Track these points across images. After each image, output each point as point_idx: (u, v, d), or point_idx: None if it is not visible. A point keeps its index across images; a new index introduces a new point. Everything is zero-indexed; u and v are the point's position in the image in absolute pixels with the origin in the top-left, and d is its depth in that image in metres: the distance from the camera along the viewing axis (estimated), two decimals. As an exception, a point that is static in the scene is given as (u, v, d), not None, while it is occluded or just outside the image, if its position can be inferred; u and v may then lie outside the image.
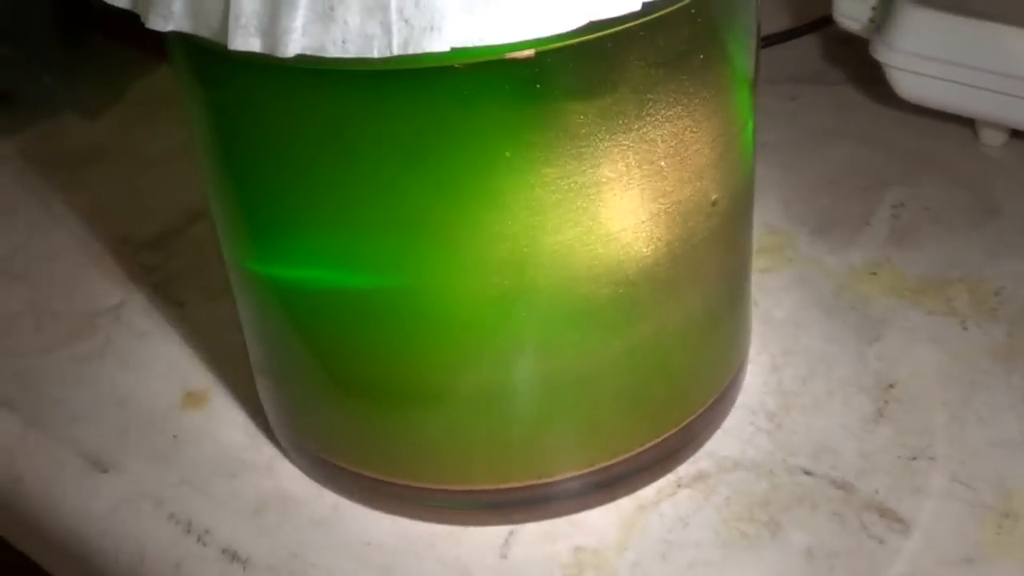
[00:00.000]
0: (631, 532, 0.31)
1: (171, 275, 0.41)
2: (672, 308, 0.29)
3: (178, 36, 0.24)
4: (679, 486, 0.32)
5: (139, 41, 0.50)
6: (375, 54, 0.23)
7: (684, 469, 0.32)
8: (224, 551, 0.31)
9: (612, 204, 0.26)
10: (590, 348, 0.29)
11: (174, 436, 0.35)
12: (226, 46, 0.23)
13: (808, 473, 0.32)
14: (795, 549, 0.30)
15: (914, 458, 0.32)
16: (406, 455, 0.31)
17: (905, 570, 0.29)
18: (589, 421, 0.30)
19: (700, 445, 0.33)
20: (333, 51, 0.23)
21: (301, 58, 0.23)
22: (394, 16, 0.22)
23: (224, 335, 0.37)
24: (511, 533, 0.31)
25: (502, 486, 0.31)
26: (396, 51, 0.23)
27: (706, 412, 0.32)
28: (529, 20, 0.22)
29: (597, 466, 0.31)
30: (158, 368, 0.37)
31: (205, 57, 0.26)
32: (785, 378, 0.35)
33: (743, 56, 0.28)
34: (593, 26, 0.23)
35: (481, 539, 0.31)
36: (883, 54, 0.41)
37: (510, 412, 0.29)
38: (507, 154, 0.25)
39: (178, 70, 0.28)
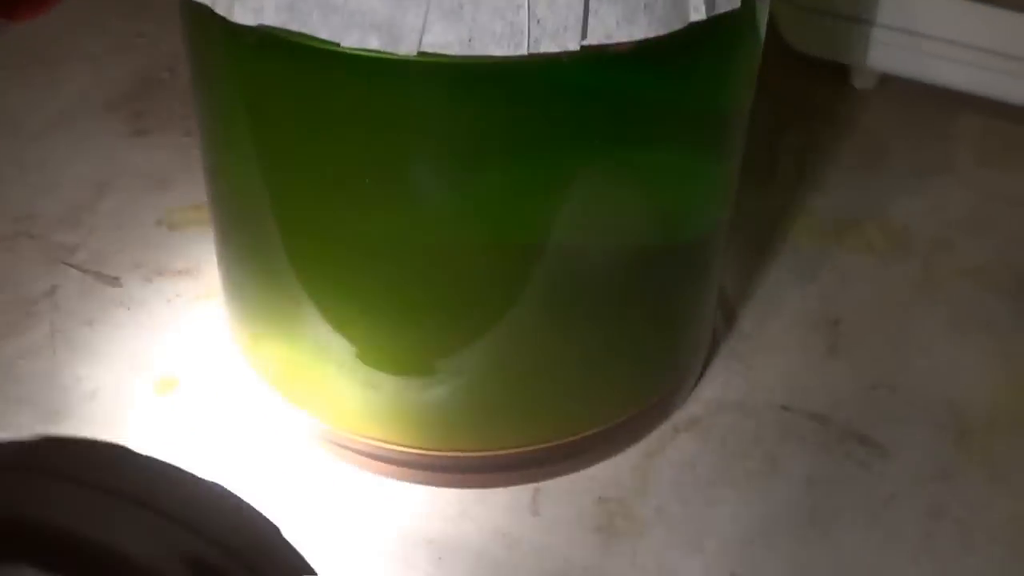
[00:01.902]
0: (647, 479, 0.33)
1: (96, 253, 0.39)
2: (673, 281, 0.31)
3: (252, 29, 0.24)
4: (676, 431, 0.34)
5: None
6: (507, 52, 0.23)
7: (678, 415, 0.35)
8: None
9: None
10: (600, 320, 0.30)
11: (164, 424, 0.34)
12: (329, 42, 0.23)
13: (787, 408, 0.35)
14: (797, 480, 0.33)
15: (874, 387, 0.36)
16: (424, 421, 0.31)
17: (893, 490, 0.33)
18: (608, 383, 0.32)
19: (689, 392, 0.35)
20: (459, 49, 0.23)
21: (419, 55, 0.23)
22: (526, 16, 0.23)
23: (168, 311, 0.36)
24: (537, 491, 0.32)
25: (527, 448, 0.32)
26: (527, 50, 0.23)
27: (695, 364, 0.34)
28: (645, 19, 0.24)
29: (613, 422, 0.33)
30: (117, 354, 0.36)
31: (275, 51, 0.25)
32: (744, 322, 0.37)
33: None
34: (692, 28, 0.24)
35: (509, 500, 0.32)
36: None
37: (533, 381, 0.31)
38: (590, 142, 0.26)
39: (216, 59, 0.27)
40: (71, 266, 0.38)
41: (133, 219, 0.40)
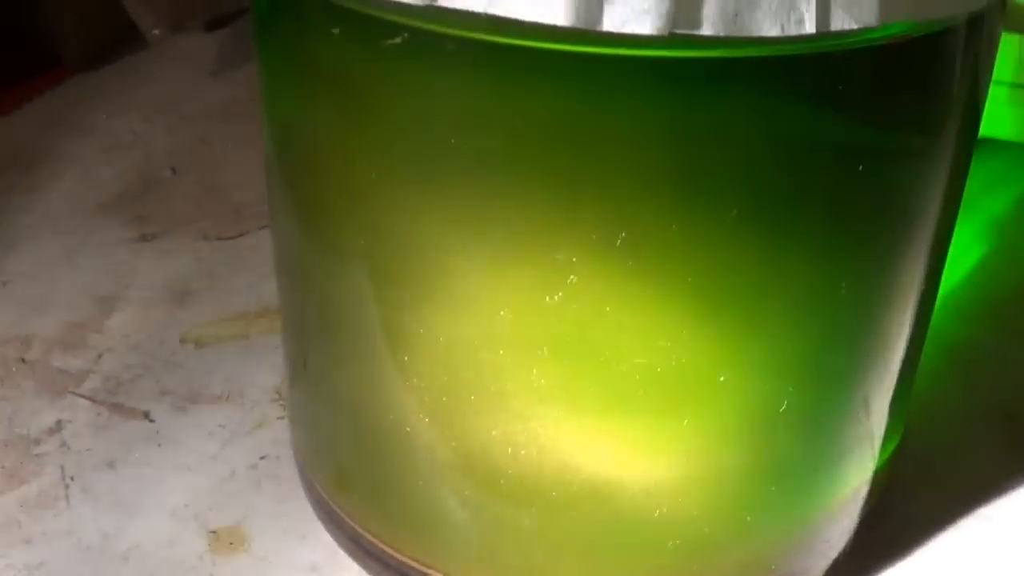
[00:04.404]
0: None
1: (109, 379, 0.31)
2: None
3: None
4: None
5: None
6: (783, 32, 0.16)
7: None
8: None
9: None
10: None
11: (223, 592, 0.26)
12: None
13: None
14: None
15: None
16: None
17: None
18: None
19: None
20: (720, 28, 0.16)
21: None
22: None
23: (211, 446, 0.28)
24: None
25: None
26: (812, 28, 0.17)
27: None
28: None
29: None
30: (154, 504, 0.28)
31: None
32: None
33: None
34: None
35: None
36: None
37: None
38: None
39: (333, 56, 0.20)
40: (80, 396, 0.30)
41: (151, 338, 0.33)
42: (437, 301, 0.21)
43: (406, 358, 0.22)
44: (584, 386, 0.21)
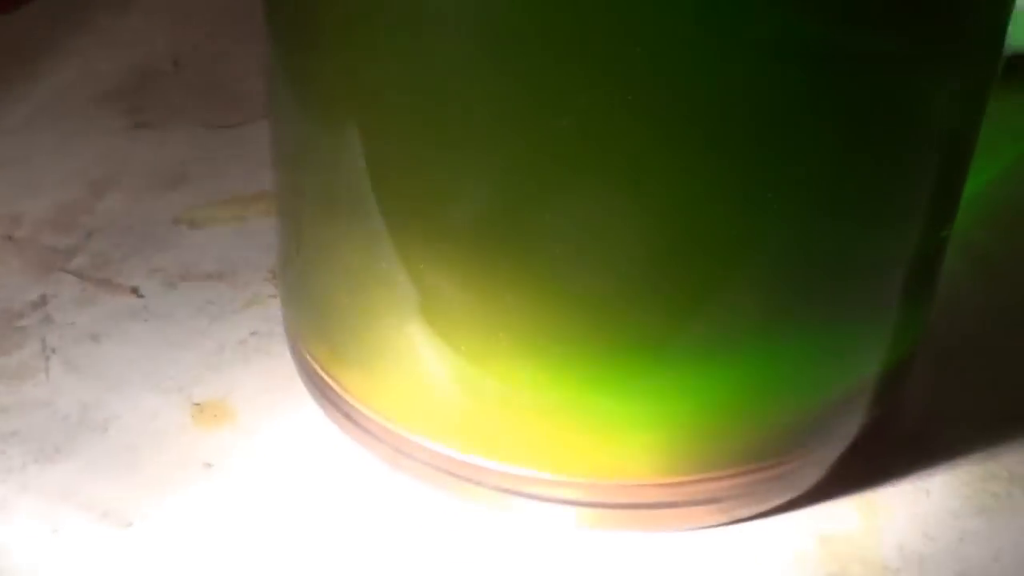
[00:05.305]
0: (874, 512, 0.24)
1: (98, 257, 0.30)
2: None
3: None
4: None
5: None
6: None
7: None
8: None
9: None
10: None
11: (206, 464, 0.24)
12: None
13: None
14: (1076, 506, 0.24)
15: None
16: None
17: None
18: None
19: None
20: None
21: None
22: None
23: (201, 321, 0.27)
24: (739, 532, 0.23)
25: (722, 475, 0.23)
26: None
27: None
28: None
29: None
30: (137, 377, 0.26)
31: None
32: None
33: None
34: None
35: (708, 544, 0.23)
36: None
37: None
38: None
39: None
40: (67, 272, 0.29)
41: (144, 219, 0.31)
42: (431, 161, 0.20)
43: (401, 219, 0.21)
44: (596, 242, 0.20)
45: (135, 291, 0.29)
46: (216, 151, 0.34)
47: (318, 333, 0.24)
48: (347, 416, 0.24)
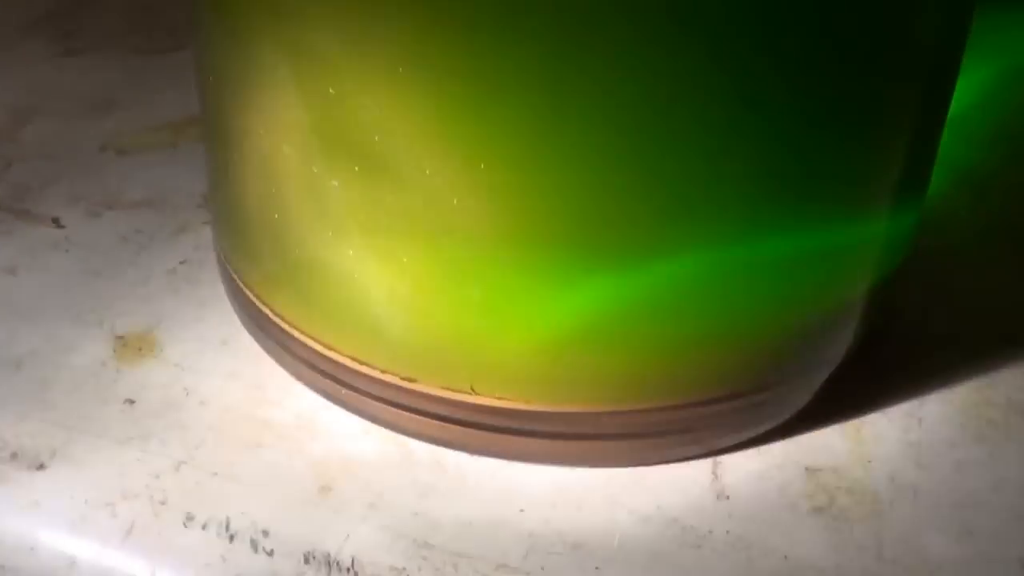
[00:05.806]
0: (863, 441, 0.22)
1: (17, 187, 0.27)
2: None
3: None
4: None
5: None
6: None
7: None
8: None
9: None
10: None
11: (128, 400, 0.22)
12: None
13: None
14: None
15: None
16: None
17: None
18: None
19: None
20: None
21: None
22: None
23: (126, 251, 0.25)
24: (717, 464, 0.21)
25: (705, 400, 0.21)
26: None
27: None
28: None
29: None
30: (56, 310, 0.24)
31: None
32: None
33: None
34: None
35: (684, 479, 0.21)
36: None
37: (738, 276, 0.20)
38: None
39: None
40: (-19, 202, 0.27)
41: (69, 147, 0.29)
42: (360, 68, 0.17)
43: (328, 124, 0.19)
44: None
45: (56, 221, 0.26)
46: (148, 77, 0.32)
47: (250, 257, 0.22)
48: (281, 344, 0.22)
